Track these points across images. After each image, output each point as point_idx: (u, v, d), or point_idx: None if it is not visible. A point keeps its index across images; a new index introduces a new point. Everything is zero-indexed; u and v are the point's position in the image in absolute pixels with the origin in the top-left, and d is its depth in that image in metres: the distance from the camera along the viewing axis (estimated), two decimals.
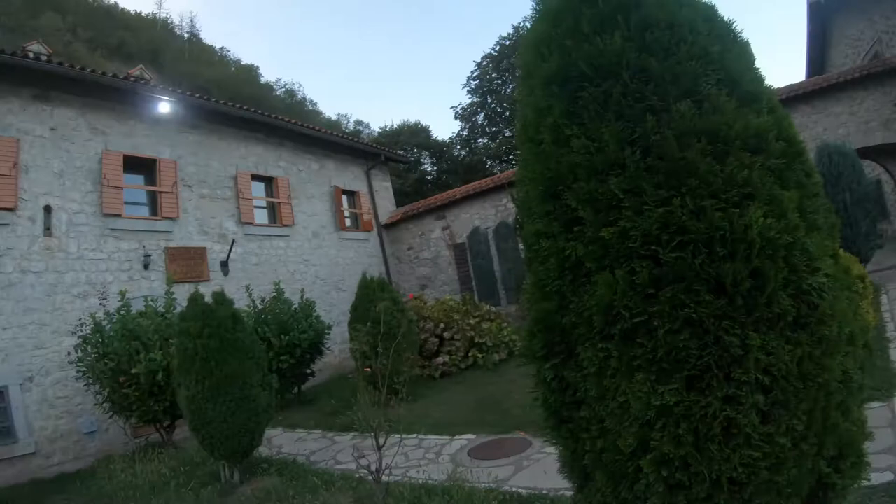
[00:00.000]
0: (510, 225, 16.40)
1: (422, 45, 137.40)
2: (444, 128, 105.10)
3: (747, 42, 2.39)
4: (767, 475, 1.96)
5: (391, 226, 19.71)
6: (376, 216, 19.50)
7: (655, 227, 2.01)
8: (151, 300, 9.97)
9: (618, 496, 2.18)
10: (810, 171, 2.34)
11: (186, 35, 70.10)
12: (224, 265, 14.01)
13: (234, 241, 14.16)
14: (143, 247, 12.35)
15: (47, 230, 10.79)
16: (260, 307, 11.98)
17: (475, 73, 40.62)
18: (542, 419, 2.58)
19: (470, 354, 11.89)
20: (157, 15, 69.32)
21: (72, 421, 10.44)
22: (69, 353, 9.88)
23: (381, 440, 5.28)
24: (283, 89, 68.46)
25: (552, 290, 2.30)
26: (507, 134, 37.55)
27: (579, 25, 2.28)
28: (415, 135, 41.62)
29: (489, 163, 38.61)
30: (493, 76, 39.87)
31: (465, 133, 41.30)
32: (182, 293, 8.12)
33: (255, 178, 15.72)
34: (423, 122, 46.89)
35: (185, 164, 13.76)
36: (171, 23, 70.71)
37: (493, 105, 39.94)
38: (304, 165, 17.33)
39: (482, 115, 40.62)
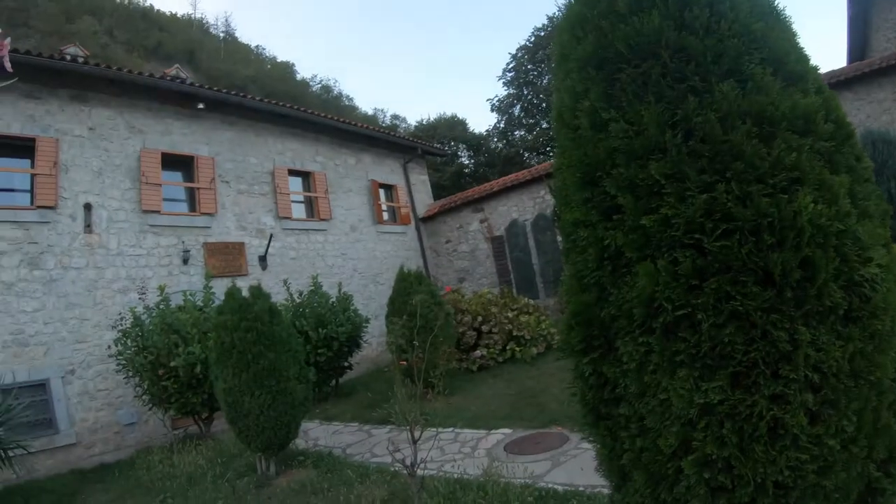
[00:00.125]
0: (548, 217, 16.22)
1: (457, 37, 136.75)
2: (481, 120, 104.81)
3: (791, 19, 2.27)
4: (815, 479, 1.84)
5: (429, 219, 19.62)
6: (414, 209, 19.44)
7: (699, 214, 1.90)
8: (190, 294, 10.09)
9: (657, 498, 2.08)
10: (860, 154, 2.20)
11: (222, 34, 70.48)
12: (262, 259, 14.09)
13: (271, 235, 14.24)
14: (182, 242, 12.49)
15: (88, 227, 10.99)
16: (298, 301, 11.99)
17: (511, 65, 40.25)
18: (579, 415, 2.49)
19: (508, 348, 11.78)
20: (192, 15, 69.91)
21: (112, 412, 10.62)
22: (109, 347, 10.09)
23: (417, 434, 5.23)
24: (319, 85, 68.58)
25: (591, 282, 2.20)
26: (544, 126, 37.14)
27: (615, 5, 2.18)
28: (451, 128, 41.44)
29: (526, 155, 38.30)
30: (528, 67, 39.47)
31: (501, 125, 40.97)
32: (221, 287, 8.21)
33: (293, 172, 15.78)
34: (460, 116, 46.63)
35: (222, 161, 13.87)
36: (207, 23, 71.18)
37: (529, 97, 39.55)
38: (340, 160, 17.33)
39: (518, 106, 40.25)
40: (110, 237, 11.31)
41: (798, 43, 2.24)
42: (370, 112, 64.22)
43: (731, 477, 1.88)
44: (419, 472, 5.31)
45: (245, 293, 7.36)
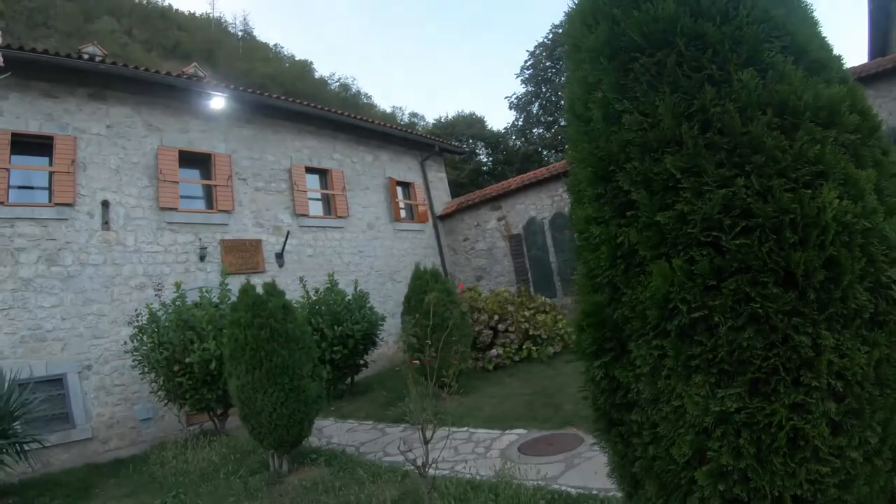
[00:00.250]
0: (566, 215, 16.07)
1: (475, 35, 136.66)
2: (499, 118, 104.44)
3: (812, 6, 2.16)
4: (836, 493, 1.73)
5: (446, 217, 19.53)
6: (431, 207, 19.36)
7: (717, 210, 1.79)
8: (206, 291, 10.11)
9: None
10: (887, 148, 2.07)
11: (240, 33, 70.93)
12: (279, 256, 14.10)
13: (288, 232, 14.24)
14: (199, 239, 12.53)
15: (105, 224, 11.07)
16: (314, 298, 11.96)
17: (529, 63, 40.05)
18: (591, 420, 2.39)
19: (524, 347, 11.69)
20: (211, 14, 70.40)
21: (128, 408, 10.68)
22: (126, 343, 10.19)
23: (429, 434, 5.18)
24: (338, 83, 68.70)
25: (603, 281, 2.11)
26: (562, 123, 36.74)
27: None
28: (470, 126, 41.37)
29: (545, 153, 38.11)
30: (546, 65, 39.25)
31: (520, 123, 40.82)
32: (238, 284, 8.23)
33: (310, 170, 15.79)
34: (478, 113, 46.59)
35: (239, 158, 13.91)
36: (225, 21, 71.70)
37: (547, 94, 39.34)
38: (358, 157, 17.30)
39: (537, 104, 40.07)
40: (127, 234, 11.37)
41: (820, 31, 2.13)
42: (388, 110, 64.42)
43: (747, 489, 1.77)
44: (431, 471, 5.27)
45: (261, 290, 7.34)
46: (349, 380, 12.29)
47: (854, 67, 13.78)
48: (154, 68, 13.10)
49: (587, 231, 2.16)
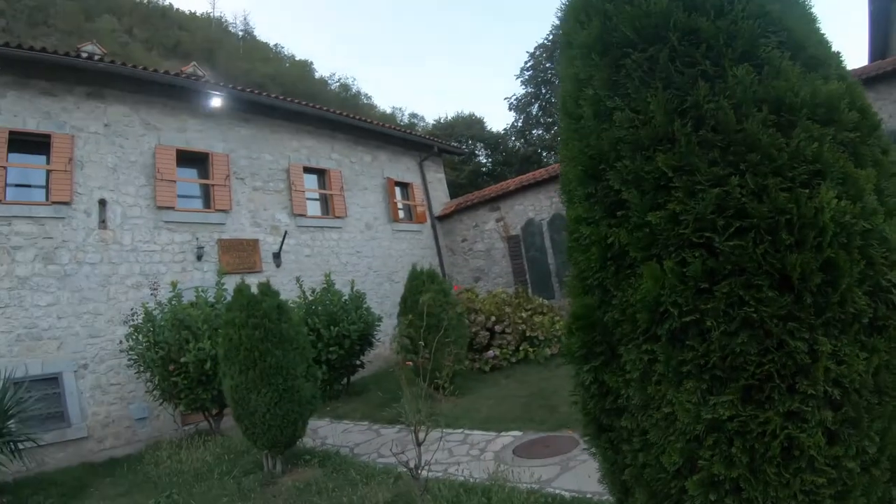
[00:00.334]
0: (564, 216, 15.97)
1: (476, 36, 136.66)
2: (499, 119, 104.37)
3: (810, 1, 2.09)
4: None
5: (445, 217, 19.47)
6: (430, 208, 19.31)
7: (710, 210, 1.73)
8: (202, 290, 10.07)
9: None
10: (887, 147, 2.01)
11: (241, 33, 70.68)
12: (276, 256, 14.06)
13: (286, 232, 14.22)
14: (197, 238, 12.50)
15: (102, 223, 11.04)
16: (311, 298, 11.94)
17: (529, 64, 39.94)
18: (581, 425, 2.33)
19: (521, 348, 11.64)
20: (212, 14, 70.24)
21: (124, 407, 10.66)
22: (121, 342, 10.13)
23: (422, 436, 5.15)
24: (338, 83, 68.47)
25: (593, 283, 2.04)
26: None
27: None
28: (469, 127, 41.27)
29: (544, 154, 37.98)
30: (546, 66, 39.12)
31: (519, 124, 40.70)
32: (235, 284, 8.21)
33: (308, 170, 15.74)
34: (478, 114, 46.44)
35: (237, 158, 13.87)
36: (226, 21, 71.40)
37: (547, 95, 39.19)
38: (356, 157, 17.26)
39: (536, 105, 39.95)
40: (124, 233, 11.34)
41: (818, 27, 2.07)
42: (388, 111, 64.23)
43: (739, 500, 1.71)
44: (425, 473, 5.24)
45: (255, 290, 7.31)
46: (345, 380, 12.25)
47: (854, 70, 13.71)
48: (152, 67, 13.07)
49: (577, 231, 2.10)
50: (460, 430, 7.89)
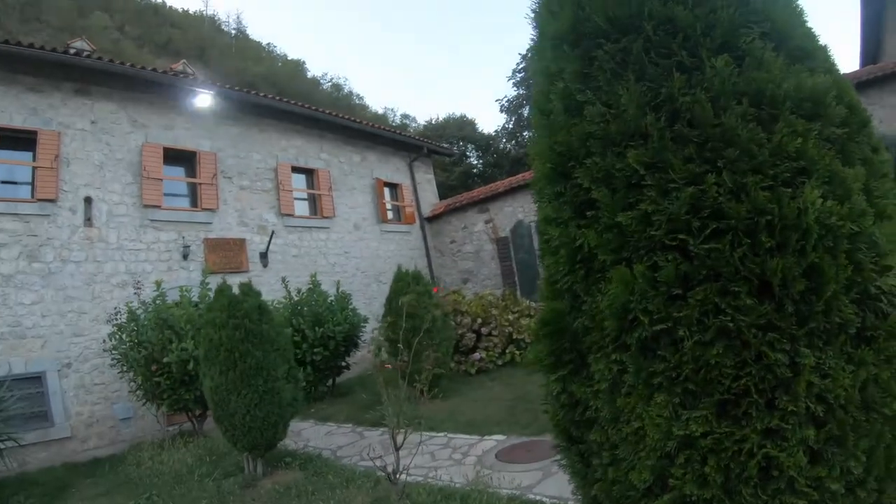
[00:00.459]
0: None
1: (468, 38, 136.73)
2: (490, 121, 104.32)
3: None
4: None
5: (434, 219, 19.40)
6: (419, 209, 19.23)
7: (684, 210, 1.61)
8: (186, 290, 9.98)
9: None
10: (878, 145, 1.88)
11: (233, 31, 70.41)
12: (263, 256, 13.95)
13: (273, 232, 14.11)
14: (183, 237, 12.41)
15: (88, 221, 10.93)
16: (296, 299, 11.88)
17: (520, 66, 39.88)
18: (552, 436, 2.21)
19: (507, 351, 11.57)
20: (204, 12, 69.93)
21: (108, 407, 10.56)
22: (104, 341, 10.05)
23: (401, 440, 5.10)
24: (330, 83, 68.37)
25: (563, 288, 1.92)
26: None
27: None
28: (460, 128, 41.24)
29: None
30: None
31: (510, 126, 40.62)
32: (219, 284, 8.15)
33: (296, 169, 15.64)
34: (469, 116, 46.36)
35: (225, 157, 13.76)
36: (218, 19, 71.00)
37: None
38: (345, 157, 17.16)
39: (528, 107, 39.98)
40: (110, 231, 11.24)
41: (805, 19, 1.93)
42: (380, 111, 64.13)
43: None
44: (405, 478, 5.25)
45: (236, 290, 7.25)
46: (330, 381, 12.20)
47: (845, 74, 13.62)
48: (140, 64, 12.94)
49: (547, 233, 1.98)
50: (443, 434, 7.81)
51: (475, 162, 40.48)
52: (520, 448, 6.73)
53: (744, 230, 1.58)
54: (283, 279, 12.50)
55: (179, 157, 13.00)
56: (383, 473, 5.17)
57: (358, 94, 71.54)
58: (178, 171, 13.17)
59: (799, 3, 1.94)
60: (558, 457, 2.27)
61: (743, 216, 1.57)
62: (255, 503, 6.30)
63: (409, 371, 5.25)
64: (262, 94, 15.56)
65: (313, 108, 16.45)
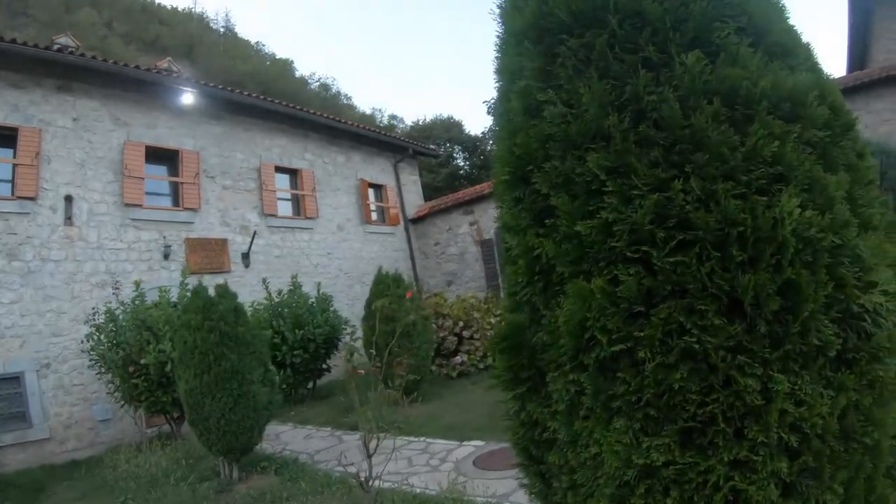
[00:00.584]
0: None
1: (456, 39, 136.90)
2: (477, 122, 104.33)
3: None
4: None
5: (418, 220, 19.34)
6: (403, 210, 19.16)
7: (648, 219, 1.47)
8: (165, 291, 9.87)
9: None
10: (863, 150, 1.74)
11: (222, 29, 70.04)
12: (245, 257, 13.84)
13: (255, 232, 13.99)
14: (164, 237, 12.29)
15: (68, 219, 10.81)
16: (277, 300, 11.80)
17: None
18: (514, 453, 2.09)
19: (489, 354, 11.46)
20: (193, 10, 69.53)
21: (87, 408, 10.47)
22: (82, 342, 9.95)
23: (374, 446, 5.01)
24: (318, 83, 68.07)
25: (522, 300, 1.79)
26: None
27: None
28: (447, 129, 41.12)
29: None
30: None
31: (497, 128, 40.62)
32: (205, 284, 8.03)
33: (280, 169, 15.54)
34: (456, 117, 46.36)
35: (207, 156, 13.65)
36: (207, 17, 70.52)
37: None
38: (329, 158, 17.07)
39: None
40: (90, 230, 11.13)
41: (786, 15, 1.78)
42: (368, 111, 63.86)
43: None
44: (379, 484, 5.20)
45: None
46: (311, 384, 12.12)
47: (832, 80, 13.68)
48: (123, 62, 12.83)
49: (506, 241, 1.84)
50: (422, 439, 7.78)
51: (462, 163, 40.41)
52: (498, 454, 6.63)
53: (713, 242, 1.44)
54: (264, 280, 12.42)
55: (162, 156, 12.86)
56: (355, 480, 5.07)
57: (346, 95, 71.48)
58: (161, 170, 13.05)
59: None
60: (521, 475, 2.14)
61: (712, 227, 1.44)
62: None
63: (383, 376, 5.13)
64: (246, 93, 15.48)
65: (298, 107, 16.39)
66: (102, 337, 9.38)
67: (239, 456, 7.07)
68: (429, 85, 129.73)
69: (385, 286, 10.12)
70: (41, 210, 10.42)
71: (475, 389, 10.18)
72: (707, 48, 1.57)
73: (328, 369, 12.08)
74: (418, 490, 5.87)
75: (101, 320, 9.53)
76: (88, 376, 10.26)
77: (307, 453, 8.13)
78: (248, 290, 12.58)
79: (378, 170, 18.76)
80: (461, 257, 18.18)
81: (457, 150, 40.39)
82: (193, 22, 65.66)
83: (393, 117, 61.02)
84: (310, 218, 15.77)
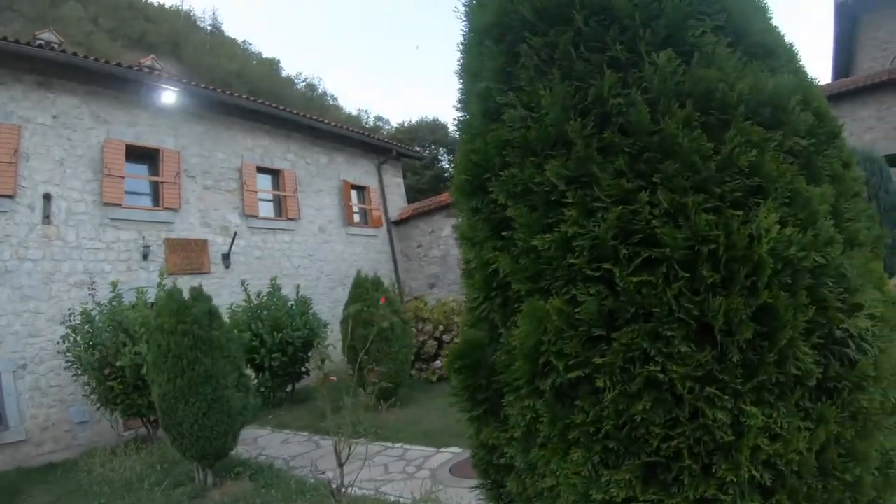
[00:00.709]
0: None
1: (443, 40, 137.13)
2: None
3: None
4: None
5: (401, 222, 19.27)
6: (386, 212, 19.06)
7: (611, 234, 1.35)
8: (142, 292, 9.75)
9: None
10: (849, 160, 1.61)
11: (209, 28, 69.67)
12: (226, 258, 13.69)
13: (235, 233, 13.85)
14: (143, 237, 12.12)
15: (46, 218, 10.64)
16: (256, 302, 11.68)
17: None
18: (476, 473, 1.97)
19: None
20: (180, 7, 69.11)
21: (64, 410, 10.32)
22: (58, 343, 9.80)
23: (346, 455, 4.84)
24: (304, 83, 68.01)
25: (481, 316, 1.66)
26: None
27: None
28: (433, 131, 41.08)
29: None
30: None
31: None
32: (182, 285, 7.89)
33: (261, 170, 15.39)
34: (442, 119, 46.26)
35: (188, 155, 13.50)
36: (194, 15, 70.10)
37: None
38: (312, 159, 16.95)
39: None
40: (69, 229, 10.97)
41: (768, 14, 1.66)
42: (354, 112, 63.86)
43: None
44: (354, 491, 5.19)
45: (210, 290, 7.36)
46: (290, 388, 12.01)
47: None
48: (104, 58, 12.62)
49: (463, 253, 1.72)
50: (399, 445, 7.73)
51: (447, 165, 40.38)
52: None
53: (681, 261, 1.32)
54: (243, 282, 12.21)
55: (142, 155, 12.71)
56: (332, 487, 4.96)
57: (332, 95, 71.46)
58: (141, 169, 12.87)
59: None
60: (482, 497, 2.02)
61: (680, 244, 1.31)
62: None
63: (356, 383, 5.03)
64: (228, 92, 15.37)
65: (280, 107, 16.26)
66: (78, 338, 9.25)
67: (213, 461, 6.97)
68: (416, 87, 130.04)
69: (364, 290, 10.03)
70: (19, 208, 10.25)
71: None
72: (681, 47, 1.45)
73: (307, 373, 11.90)
74: (392, 499, 5.83)
75: (78, 321, 9.39)
76: (65, 378, 10.12)
77: (283, 458, 8.04)
78: (229, 292, 12.48)
79: (361, 171, 18.66)
80: (443, 260, 18.10)
81: (442, 152, 40.39)
82: (180, 19, 65.30)
83: (379, 119, 61.13)
84: (291, 219, 15.63)
